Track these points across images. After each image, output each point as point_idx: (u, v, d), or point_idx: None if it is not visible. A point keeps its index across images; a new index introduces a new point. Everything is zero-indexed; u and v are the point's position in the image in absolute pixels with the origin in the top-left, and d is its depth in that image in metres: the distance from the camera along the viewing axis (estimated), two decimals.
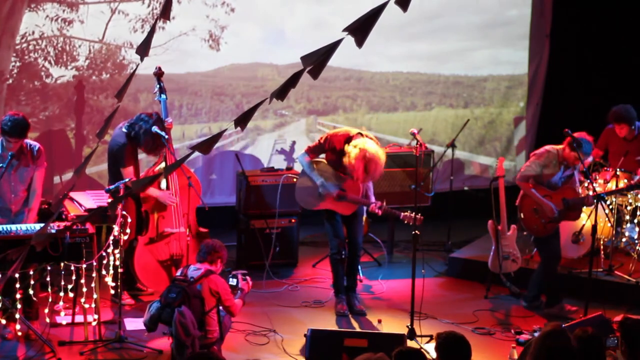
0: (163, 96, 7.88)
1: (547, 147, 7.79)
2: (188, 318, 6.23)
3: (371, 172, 7.28)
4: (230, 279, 6.81)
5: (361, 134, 7.50)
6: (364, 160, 7.24)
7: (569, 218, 7.90)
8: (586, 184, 8.38)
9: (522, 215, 7.83)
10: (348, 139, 7.46)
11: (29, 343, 6.80)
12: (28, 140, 7.09)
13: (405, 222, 7.49)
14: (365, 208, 8.02)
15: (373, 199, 7.66)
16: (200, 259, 6.63)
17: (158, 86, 7.89)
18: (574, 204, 7.76)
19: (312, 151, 7.66)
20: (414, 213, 7.32)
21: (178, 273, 6.65)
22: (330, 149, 7.60)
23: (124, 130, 7.59)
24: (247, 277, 6.85)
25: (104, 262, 6.88)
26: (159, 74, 7.89)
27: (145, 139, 7.45)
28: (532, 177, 7.68)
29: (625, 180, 8.40)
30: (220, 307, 6.53)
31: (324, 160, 7.71)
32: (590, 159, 8.74)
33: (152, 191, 7.61)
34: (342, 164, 7.45)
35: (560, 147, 7.69)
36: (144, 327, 6.56)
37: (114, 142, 7.63)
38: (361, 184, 7.59)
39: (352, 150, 7.30)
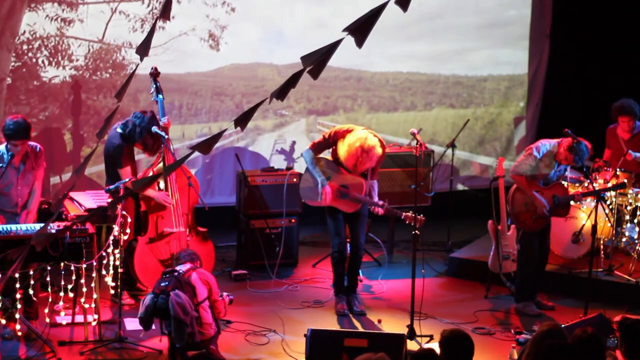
0: (160, 96, 7.87)
1: (543, 141, 7.77)
2: (184, 298, 6.29)
3: (360, 162, 7.30)
4: None
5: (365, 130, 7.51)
6: (358, 148, 7.27)
7: (559, 214, 7.91)
8: (586, 184, 8.38)
9: (512, 209, 7.83)
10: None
11: (29, 343, 6.80)
12: (30, 142, 7.10)
13: (407, 222, 7.47)
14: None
15: (376, 198, 7.65)
16: (182, 262, 6.75)
17: (154, 86, 7.89)
18: (564, 201, 7.78)
19: (317, 147, 7.64)
20: (415, 214, 7.30)
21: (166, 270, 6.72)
22: (336, 144, 7.60)
23: (118, 130, 7.59)
24: (224, 293, 6.89)
25: (104, 262, 6.89)
26: (154, 74, 7.89)
27: (140, 135, 7.46)
28: (525, 172, 7.68)
29: (626, 180, 8.40)
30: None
31: (329, 157, 7.71)
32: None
33: (148, 192, 7.61)
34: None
35: (555, 142, 7.67)
36: (138, 321, 6.51)
37: (110, 144, 7.63)
38: (364, 183, 7.58)
39: (347, 138, 7.35)
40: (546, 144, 7.68)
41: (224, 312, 6.75)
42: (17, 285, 6.49)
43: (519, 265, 7.94)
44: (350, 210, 7.68)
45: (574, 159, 7.49)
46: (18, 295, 6.53)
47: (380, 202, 7.54)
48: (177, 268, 6.60)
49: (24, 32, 9.04)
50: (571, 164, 7.63)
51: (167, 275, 6.49)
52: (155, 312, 6.37)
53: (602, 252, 8.47)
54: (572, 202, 7.93)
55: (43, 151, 7.20)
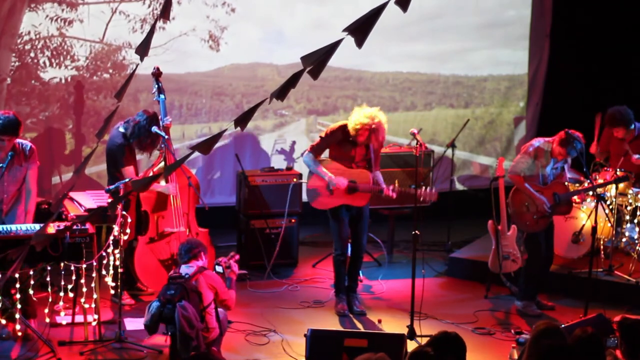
0: (162, 96, 7.88)
1: (537, 139, 7.79)
2: (190, 311, 6.27)
3: (378, 131, 7.41)
4: (216, 267, 6.88)
5: None
6: (368, 118, 7.39)
7: (560, 213, 7.90)
8: (586, 184, 8.38)
9: (513, 211, 7.83)
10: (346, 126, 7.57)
11: (28, 343, 6.79)
12: (20, 140, 7.08)
13: (422, 199, 7.46)
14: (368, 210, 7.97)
15: (384, 185, 7.66)
16: (185, 260, 6.66)
17: (156, 86, 7.90)
18: (565, 199, 7.77)
19: (316, 149, 7.67)
20: (428, 188, 7.33)
21: (172, 273, 6.67)
22: (335, 141, 7.62)
23: (120, 130, 7.60)
24: (231, 262, 6.85)
25: (104, 262, 6.88)
26: (157, 74, 7.89)
27: (139, 135, 7.47)
28: (523, 171, 7.69)
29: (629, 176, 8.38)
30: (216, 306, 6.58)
31: (328, 159, 7.72)
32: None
33: (156, 186, 7.61)
34: (348, 150, 7.57)
35: (549, 139, 7.68)
36: (144, 328, 6.54)
37: (112, 143, 7.64)
38: (369, 174, 7.58)
39: (353, 115, 7.47)
40: (540, 140, 7.71)
41: (233, 304, 6.72)
42: (17, 286, 6.49)
43: (525, 265, 7.93)
44: (362, 204, 7.67)
45: (567, 151, 7.49)
46: (18, 295, 6.53)
47: (392, 186, 7.57)
48: (183, 271, 6.54)
49: (29, 32, 9.04)
50: (566, 157, 7.62)
51: (174, 284, 6.44)
52: (160, 320, 6.38)
53: (602, 252, 8.47)
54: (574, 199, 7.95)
55: (35, 150, 7.16)
